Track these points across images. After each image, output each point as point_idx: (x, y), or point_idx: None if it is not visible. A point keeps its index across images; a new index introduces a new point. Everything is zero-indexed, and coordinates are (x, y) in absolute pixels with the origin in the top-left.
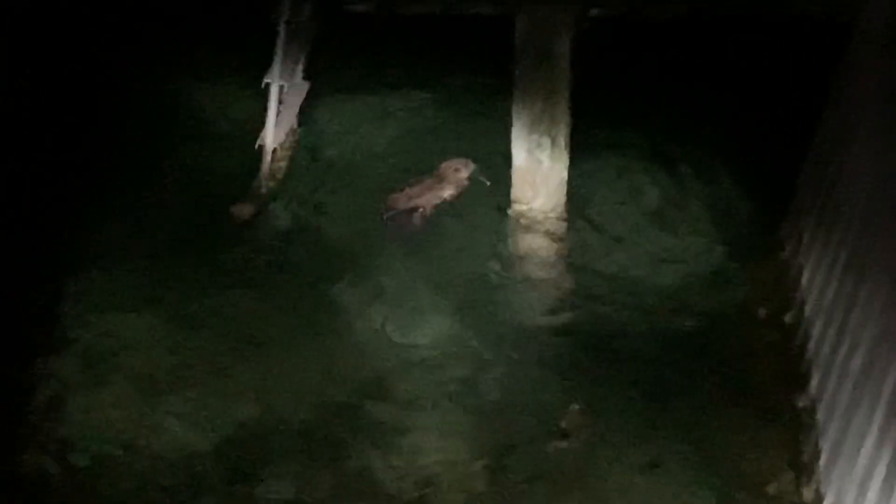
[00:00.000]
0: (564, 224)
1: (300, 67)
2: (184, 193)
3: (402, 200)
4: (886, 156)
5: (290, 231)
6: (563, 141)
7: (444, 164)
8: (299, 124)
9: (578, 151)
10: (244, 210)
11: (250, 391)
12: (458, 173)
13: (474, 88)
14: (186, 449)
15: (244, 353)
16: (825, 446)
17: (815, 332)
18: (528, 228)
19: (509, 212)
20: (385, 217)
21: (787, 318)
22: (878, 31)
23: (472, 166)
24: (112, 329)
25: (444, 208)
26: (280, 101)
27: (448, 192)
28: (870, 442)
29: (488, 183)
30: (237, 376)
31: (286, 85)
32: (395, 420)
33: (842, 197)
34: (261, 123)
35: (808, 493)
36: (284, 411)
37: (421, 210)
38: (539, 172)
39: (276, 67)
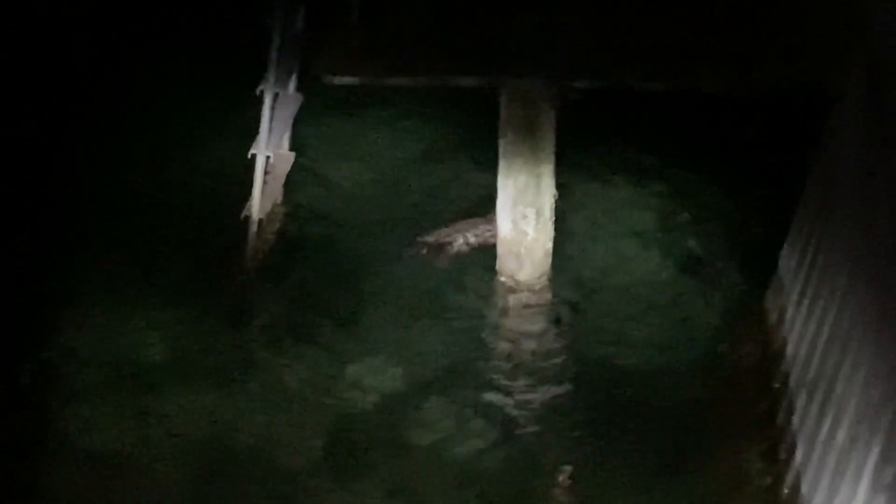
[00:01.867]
0: (549, 295)
1: (286, 137)
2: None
3: (438, 235)
4: (866, 231)
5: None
6: (548, 212)
7: None
8: (285, 194)
9: (563, 222)
10: (233, 287)
11: None
12: None
13: (462, 158)
14: None
15: None
16: None
17: (800, 404)
18: (514, 298)
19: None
20: (410, 250)
21: (772, 390)
22: (855, 109)
23: None
24: None
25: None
26: (266, 171)
27: (489, 237)
28: None
29: None
30: None
31: (272, 155)
32: None
33: (823, 272)
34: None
35: None
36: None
37: (449, 248)
38: (524, 244)
39: (262, 138)
